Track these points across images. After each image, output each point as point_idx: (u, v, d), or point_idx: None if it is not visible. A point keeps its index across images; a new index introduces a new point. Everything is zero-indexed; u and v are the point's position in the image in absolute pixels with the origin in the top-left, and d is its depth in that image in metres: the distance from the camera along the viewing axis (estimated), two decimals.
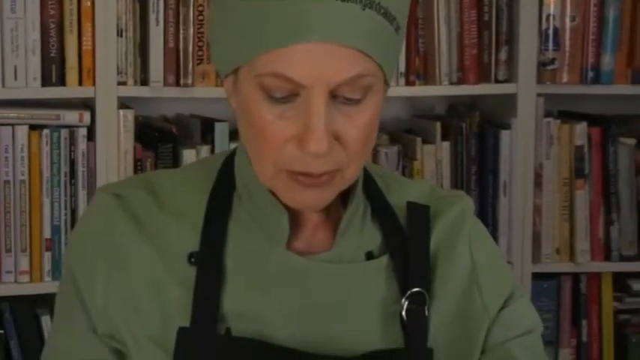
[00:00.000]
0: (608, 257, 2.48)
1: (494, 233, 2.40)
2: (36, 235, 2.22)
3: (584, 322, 2.48)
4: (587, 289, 2.48)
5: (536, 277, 2.44)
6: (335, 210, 1.18)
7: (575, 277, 2.50)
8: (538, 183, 2.43)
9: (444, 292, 1.21)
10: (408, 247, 1.20)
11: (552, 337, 2.43)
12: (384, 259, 1.20)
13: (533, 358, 1.24)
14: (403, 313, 1.18)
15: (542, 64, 2.40)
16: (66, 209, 2.22)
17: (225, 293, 1.16)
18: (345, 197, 1.18)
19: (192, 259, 1.16)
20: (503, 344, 1.23)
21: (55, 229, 2.22)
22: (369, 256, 1.21)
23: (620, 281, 2.52)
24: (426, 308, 1.19)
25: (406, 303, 1.18)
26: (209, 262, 1.16)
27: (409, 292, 1.18)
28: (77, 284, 1.18)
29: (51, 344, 1.21)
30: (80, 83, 2.21)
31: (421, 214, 1.23)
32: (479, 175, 2.41)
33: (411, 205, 1.23)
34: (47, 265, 2.22)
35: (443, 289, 1.21)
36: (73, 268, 1.19)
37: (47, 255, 2.22)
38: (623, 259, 2.48)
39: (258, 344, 1.14)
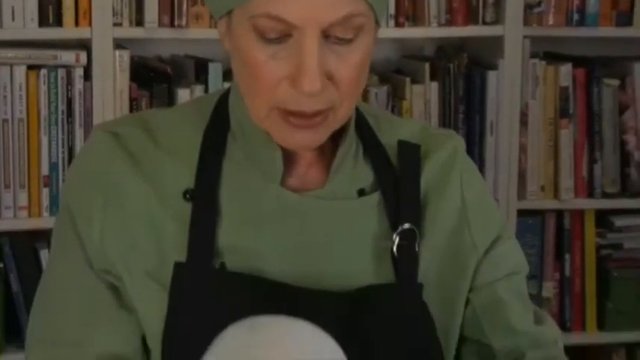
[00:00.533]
0: (591, 194, 2.50)
1: (480, 171, 2.41)
2: (34, 172, 2.24)
3: (567, 257, 2.50)
4: (570, 226, 2.50)
5: (522, 213, 2.46)
6: (328, 148, 1.20)
7: (559, 213, 2.52)
8: (524, 122, 2.45)
9: (434, 229, 1.23)
10: (399, 184, 1.22)
11: (536, 271, 2.46)
12: (376, 196, 1.21)
13: (517, 299, 1.26)
14: (394, 248, 1.19)
15: (528, 7, 2.41)
16: (63, 147, 2.25)
17: (220, 229, 1.17)
18: (338, 136, 1.19)
19: (188, 196, 1.17)
20: (490, 284, 1.24)
21: (53, 166, 2.24)
22: (361, 193, 1.22)
23: (603, 218, 2.54)
24: (416, 244, 1.20)
25: (397, 239, 1.19)
26: (204, 199, 1.17)
27: (400, 229, 1.20)
28: (74, 220, 1.19)
29: (47, 277, 1.22)
30: (77, 24, 2.22)
31: (412, 153, 1.24)
32: (466, 115, 2.43)
33: (402, 144, 1.24)
34: (45, 201, 2.25)
35: (433, 226, 1.23)
36: (70, 205, 1.19)
37: (45, 191, 2.25)
38: (606, 196, 2.51)
39: (252, 279, 1.15)
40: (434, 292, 1.21)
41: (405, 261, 1.20)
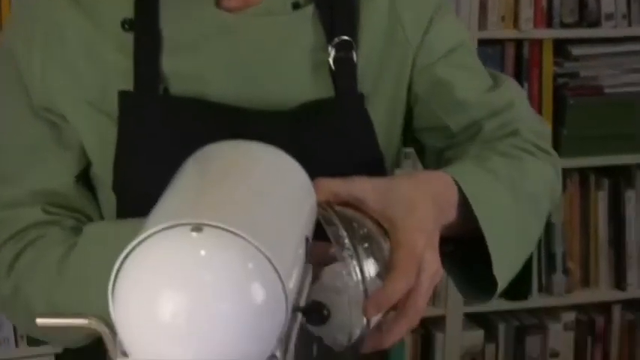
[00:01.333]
0: (549, 24, 2.52)
1: None
2: None
3: (525, 85, 2.52)
4: (529, 55, 2.53)
5: (482, 43, 2.47)
6: None
7: (519, 43, 2.54)
8: None
9: (368, 36, 1.21)
10: None
11: None
12: (310, 8, 1.20)
13: (461, 72, 1.24)
14: (330, 61, 1.18)
15: None
16: None
17: (162, 56, 1.16)
18: None
19: (126, 26, 1.16)
20: (428, 68, 1.23)
21: None
22: (296, 6, 1.20)
23: (560, 47, 2.56)
24: (353, 54, 1.19)
25: (333, 51, 1.18)
26: (144, 27, 1.16)
27: (336, 40, 1.19)
28: (15, 59, 1.18)
29: None
30: None
31: None
32: None
33: None
34: None
35: (367, 33, 1.21)
36: (11, 44, 1.19)
37: None
38: (564, 26, 2.53)
39: (197, 102, 1.15)
40: (374, 100, 1.21)
41: (343, 73, 1.19)
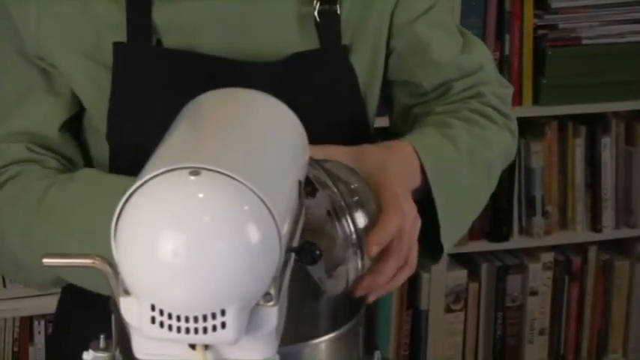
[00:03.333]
0: None
1: None
2: None
3: (506, 37, 2.51)
4: (510, 7, 2.50)
5: None
6: None
7: None
8: None
9: None
10: None
11: None
12: None
13: (439, 31, 1.24)
14: (315, 13, 1.18)
15: None
16: None
17: (154, 8, 1.15)
18: None
19: None
20: (409, 25, 1.23)
21: None
22: None
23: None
24: (337, 7, 1.18)
25: (318, 4, 1.18)
26: None
27: None
28: (8, 10, 1.16)
29: None
30: None
31: None
32: None
33: None
34: None
35: None
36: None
37: None
38: None
39: (189, 54, 1.15)
40: (357, 51, 1.20)
41: (328, 25, 1.18)
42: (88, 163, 1.21)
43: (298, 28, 1.18)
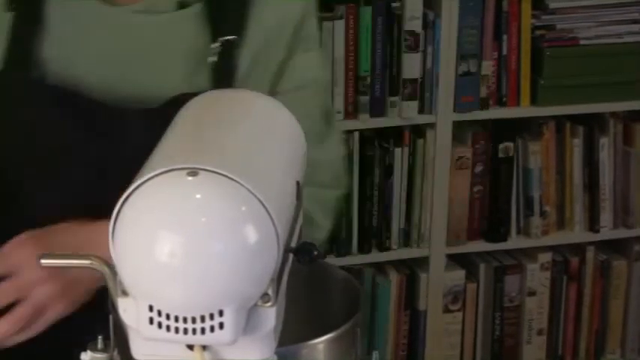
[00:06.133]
0: None
1: None
2: None
3: (504, 37, 2.51)
4: (508, 7, 2.50)
5: None
6: None
7: None
8: None
9: (258, 35, 1.18)
10: None
11: (476, 50, 2.48)
12: (198, 7, 1.16)
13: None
14: (209, 60, 1.15)
15: None
16: None
17: (37, 40, 1.13)
18: None
19: (13, 5, 1.13)
20: (286, 92, 1.19)
21: None
22: (183, 5, 1.16)
23: (538, 0, 2.54)
24: (237, 55, 1.16)
25: (215, 50, 1.15)
26: (25, 8, 1.13)
27: (219, 40, 1.15)
28: None
29: None
30: None
31: None
32: None
33: None
34: None
35: (257, 32, 1.17)
36: None
37: None
38: None
39: (61, 90, 1.12)
40: None
41: (223, 73, 1.16)
42: None
43: (190, 75, 1.16)
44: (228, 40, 1.16)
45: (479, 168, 2.56)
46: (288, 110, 1.07)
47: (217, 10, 1.16)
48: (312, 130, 1.17)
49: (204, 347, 0.79)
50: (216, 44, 1.15)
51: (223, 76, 1.16)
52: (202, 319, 0.76)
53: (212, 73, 1.16)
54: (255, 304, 0.78)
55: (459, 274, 2.63)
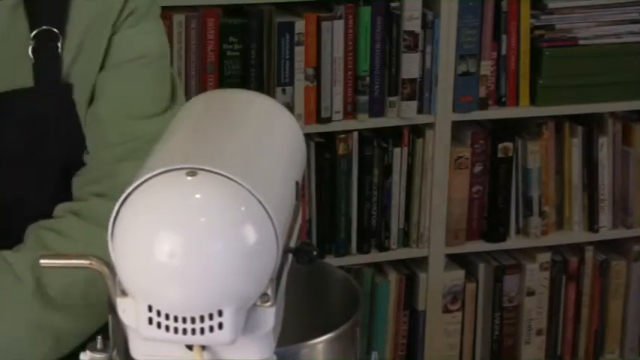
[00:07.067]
0: None
1: None
2: None
3: (503, 38, 2.51)
4: (507, 8, 2.50)
5: None
6: None
7: None
8: None
9: (78, 27, 1.16)
10: None
11: (476, 50, 2.48)
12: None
13: (137, 85, 1.20)
14: (30, 52, 1.14)
15: None
16: None
17: None
18: None
19: None
20: (117, 67, 1.19)
21: None
22: None
23: (537, 0, 2.53)
24: (59, 45, 1.14)
25: (34, 42, 1.13)
26: None
27: (37, 30, 1.14)
28: None
29: None
30: None
31: None
32: None
33: None
34: None
35: (77, 24, 1.16)
36: None
37: None
38: None
39: None
40: (79, 91, 1.17)
41: (45, 63, 1.14)
42: None
43: (10, 67, 1.14)
44: (46, 30, 1.14)
45: (478, 168, 2.56)
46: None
47: (35, 2, 1.14)
48: (149, 101, 1.19)
49: (203, 347, 0.78)
50: (33, 35, 1.13)
51: (46, 68, 1.14)
52: (201, 319, 0.76)
53: (33, 66, 1.14)
54: (255, 304, 0.78)
55: (458, 274, 2.63)
